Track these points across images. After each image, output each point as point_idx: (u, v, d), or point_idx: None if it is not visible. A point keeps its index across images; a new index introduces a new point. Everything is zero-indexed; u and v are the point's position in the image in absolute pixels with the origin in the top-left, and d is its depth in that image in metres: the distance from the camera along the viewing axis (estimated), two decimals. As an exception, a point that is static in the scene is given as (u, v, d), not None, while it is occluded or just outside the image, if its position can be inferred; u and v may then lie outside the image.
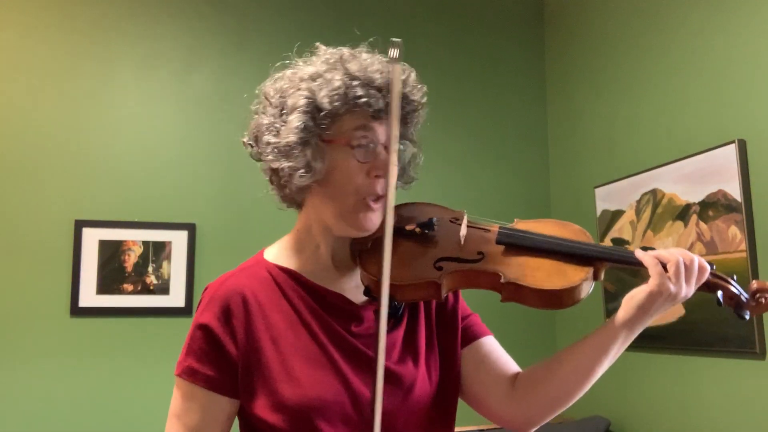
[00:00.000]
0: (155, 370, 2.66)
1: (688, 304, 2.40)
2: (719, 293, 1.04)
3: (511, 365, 1.15)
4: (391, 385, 1.02)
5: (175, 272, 2.76)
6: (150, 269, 2.74)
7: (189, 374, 1.03)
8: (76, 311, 2.64)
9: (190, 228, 2.80)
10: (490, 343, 1.16)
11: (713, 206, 2.36)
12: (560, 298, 1.00)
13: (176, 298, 2.75)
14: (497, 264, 1.03)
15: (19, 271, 2.61)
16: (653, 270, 0.98)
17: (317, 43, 1.09)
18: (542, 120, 3.43)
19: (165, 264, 2.76)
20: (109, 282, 2.69)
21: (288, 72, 1.07)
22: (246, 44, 3.01)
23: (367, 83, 1.00)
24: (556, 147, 3.37)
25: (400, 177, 1.13)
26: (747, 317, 1.04)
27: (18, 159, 2.67)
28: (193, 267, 2.78)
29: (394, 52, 0.91)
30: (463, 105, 3.29)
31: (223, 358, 1.01)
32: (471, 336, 1.14)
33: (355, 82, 1.00)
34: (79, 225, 2.68)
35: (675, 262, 0.98)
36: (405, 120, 1.08)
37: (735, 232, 2.26)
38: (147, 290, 2.73)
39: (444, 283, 1.02)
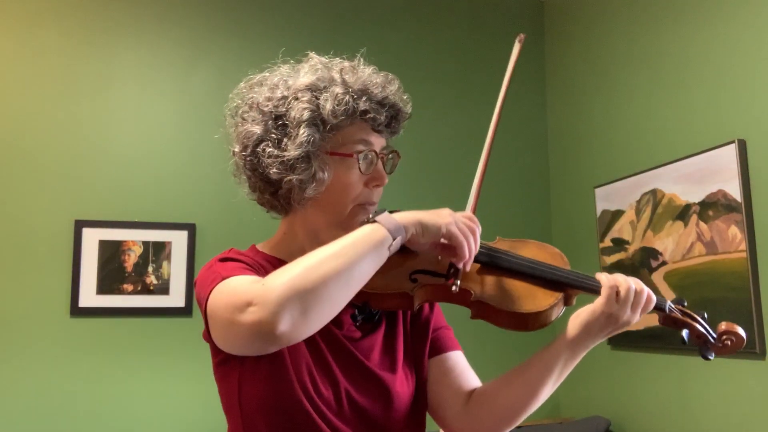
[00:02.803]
0: (155, 370, 2.66)
1: (688, 303, 2.40)
2: (685, 332, 1.07)
3: (473, 381, 1.16)
4: (374, 387, 1.05)
5: (175, 272, 2.77)
6: (150, 269, 2.74)
7: (237, 272, 0.97)
8: (76, 311, 2.64)
9: (190, 228, 2.80)
10: (456, 357, 1.17)
11: (713, 206, 2.36)
12: (526, 322, 1.02)
13: (176, 298, 2.75)
14: (470, 281, 1.05)
15: (19, 271, 2.61)
16: (605, 290, 1.02)
17: (309, 52, 1.09)
18: (542, 120, 3.43)
19: (165, 264, 2.76)
20: (109, 282, 2.69)
21: (274, 79, 1.06)
22: (246, 44, 3.01)
23: (371, 97, 1.03)
24: (556, 147, 3.37)
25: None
26: (711, 358, 1.06)
27: (18, 159, 2.67)
28: (193, 267, 2.78)
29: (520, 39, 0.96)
30: (463, 105, 3.29)
31: None
32: (439, 348, 1.16)
33: (359, 96, 1.02)
34: (79, 225, 2.68)
35: (626, 287, 1.02)
36: (395, 131, 1.10)
37: (735, 232, 2.26)
38: (147, 290, 2.73)
39: (416, 295, 1.04)
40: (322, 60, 1.08)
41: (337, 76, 1.03)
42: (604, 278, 1.04)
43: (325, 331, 1.04)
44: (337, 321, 1.07)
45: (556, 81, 3.39)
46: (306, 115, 0.99)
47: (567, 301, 1.06)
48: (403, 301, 1.04)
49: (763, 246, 2.19)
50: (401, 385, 1.07)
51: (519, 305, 1.02)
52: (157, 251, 2.76)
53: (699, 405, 2.41)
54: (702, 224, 2.40)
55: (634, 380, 2.74)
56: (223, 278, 0.95)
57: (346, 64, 1.07)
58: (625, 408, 2.78)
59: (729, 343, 1.06)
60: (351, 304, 1.04)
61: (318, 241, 1.07)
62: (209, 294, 0.95)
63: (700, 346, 1.07)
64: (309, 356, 1.01)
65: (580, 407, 3.02)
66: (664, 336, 2.55)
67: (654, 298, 1.06)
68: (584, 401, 3.00)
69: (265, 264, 1.07)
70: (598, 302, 1.02)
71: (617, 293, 1.02)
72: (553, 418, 3.04)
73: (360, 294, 1.02)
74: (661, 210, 2.60)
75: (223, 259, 1.04)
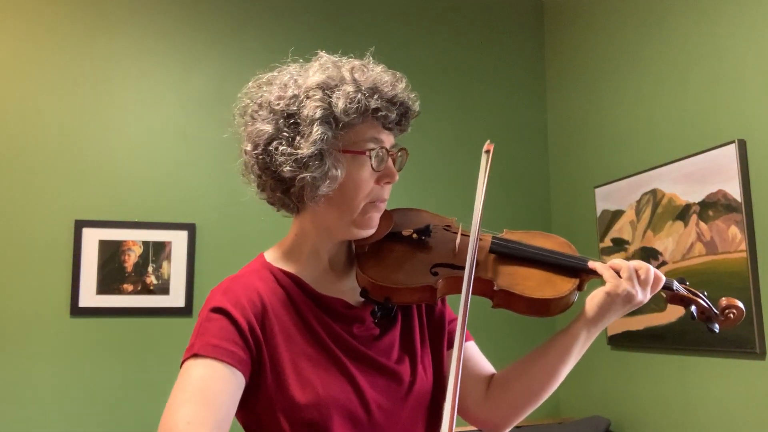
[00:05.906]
0: (155, 370, 2.66)
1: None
2: (693, 308, 1.14)
3: (488, 368, 1.20)
4: (393, 384, 1.06)
5: (175, 272, 2.77)
6: (150, 269, 2.74)
7: (209, 349, 0.96)
8: (76, 311, 2.64)
9: (190, 228, 2.80)
10: (471, 348, 1.21)
11: (713, 206, 2.36)
12: (548, 307, 1.07)
13: (176, 298, 2.75)
14: (490, 272, 1.09)
15: (19, 271, 2.61)
16: (605, 274, 1.08)
17: (319, 51, 1.10)
18: (542, 120, 3.43)
19: (165, 264, 2.76)
20: (109, 282, 2.69)
21: (284, 78, 1.06)
22: (246, 44, 3.01)
23: (382, 96, 1.03)
24: (556, 147, 3.37)
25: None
26: (717, 330, 1.15)
27: (18, 159, 2.67)
28: (193, 267, 2.78)
29: (488, 149, 1.04)
30: (463, 105, 3.29)
31: (243, 339, 0.99)
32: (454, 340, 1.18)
33: (371, 94, 1.02)
34: (79, 225, 2.68)
35: (627, 267, 1.08)
36: (404, 129, 1.11)
37: (735, 232, 2.26)
38: (147, 290, 2.73)
39: (439, 287, 1.07)
40: (332, 58, 1.08)
41: (347, 74, 1.03)
42: (598, 265, 1.10)
43: (338, 338, 1.05)
44: (358, 317, 1.09)
45: (556, 81, 3.39)
46: (319, 113, 1.00)
47: (580, 287, 1.11)
48: (426, 294, 1.06)
49: (763, 246, 2.19)
50: (421, 380, 1.10)
51: (541, 292, 1.06)
52: (157, 251, 2.76)
53: (699, 405, 2.41)
54: (702, 224, 2.40)
55: (634, 380, 2.74)
56: (194, 355, 0.97)
57: (356, 62, 1.07)
58: (625, 408, 2.78)
59: (732, 315, 1.14)
60: (371, 300, 1.07)
61: (331, 239, 1.10)
62: (182, 363, 0.99)
63: (705, 320, 1.15)
64: (325, 367, 1.02)
65: (580, 407, 3.02)
66: (664, 336, 2.55)
67: (663, 277, 1.12)
68: (584, 401, 3.00)
69: (276, 288, 1.06)
70: (609, 285, 1.06)
71: (628, 275, 1.06)
72: (553, 418, 3.04)
73: (382, 289, 1.05)
74: (661, 210, 2.61)
75: (216, 309, 1.01)
